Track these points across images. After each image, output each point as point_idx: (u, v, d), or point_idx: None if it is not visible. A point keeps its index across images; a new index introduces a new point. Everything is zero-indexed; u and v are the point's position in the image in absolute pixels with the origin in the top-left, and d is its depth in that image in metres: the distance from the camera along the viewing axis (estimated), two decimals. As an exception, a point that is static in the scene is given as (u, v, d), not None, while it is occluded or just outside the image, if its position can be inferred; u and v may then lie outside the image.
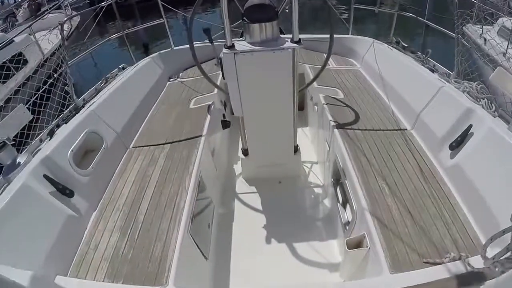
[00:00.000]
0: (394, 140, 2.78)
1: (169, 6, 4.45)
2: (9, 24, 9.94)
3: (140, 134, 3.29)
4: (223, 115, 3.84)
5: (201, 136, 3.00)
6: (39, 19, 6.23)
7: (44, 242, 1.92)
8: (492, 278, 1.42)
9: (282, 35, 2.69)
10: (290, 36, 2.55)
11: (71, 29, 9.02)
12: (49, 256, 1.88)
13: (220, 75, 2.94)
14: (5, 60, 5.80)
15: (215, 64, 3.41)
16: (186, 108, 3.61)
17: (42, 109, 3.05)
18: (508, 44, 4.41)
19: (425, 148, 2.68)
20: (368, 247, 1.94)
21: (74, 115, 2.92)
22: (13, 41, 6.37)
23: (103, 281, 1.85)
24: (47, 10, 9.45)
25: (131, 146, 3.10)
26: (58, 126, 2.79)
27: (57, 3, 9.34)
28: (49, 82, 3.09)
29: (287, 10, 2.81)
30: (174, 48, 4.72)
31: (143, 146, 3.05)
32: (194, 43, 2.83)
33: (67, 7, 9.25)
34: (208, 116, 3.31)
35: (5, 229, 1.78)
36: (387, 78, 3.62)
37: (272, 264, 2.64)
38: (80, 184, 2.38)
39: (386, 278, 1.70)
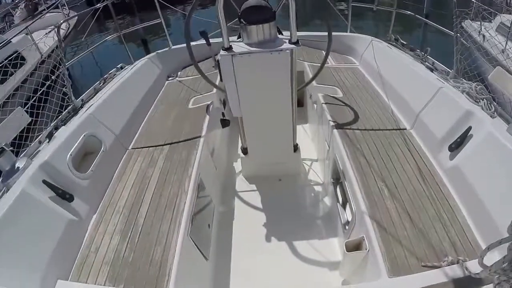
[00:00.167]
0: (394, 140, 2.78)
1: (166, 4, 4.44)
2: (7, 24, 9.90)
3: (139, 135, 3.28)
4: (222, 113, 3.84)
5: (200, 137, 2.99)
6: (37, 19, 6.21)
7: (45, 247, 1.93)
8: (489, 283, 1.43)
9: (280, 35, 2.68)
10: (288, 35, 2.54)
11: (69, 28, 8.99)
12: (50, 260, 1.88)
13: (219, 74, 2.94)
14: (2, 60, 5.78)
15: (213, 66, 3.40)
16: (185, 108, 3.60)
17: (40, 111, 3.05)
18: (507, 41, 4.40)
19: (425, 148, 2.68)
20: (367, 249, 1.95)
21: (73, 116, 2.92)
22: (11, 41, 6.35)
23: (104, 284, 1.85)
24: (44, 10, 9.41)
25: (130, 148, 3.09)
26: (56, 128, 2.78)
27: (54, 3, 9.29)
28: (46, 84, 3.08)
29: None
30: (172, 47, 4.71)
31: (142, 148, 3.05)
32: (192, 42, 2.82)
33: (64, 7, 9.20)
34: (207, 117, 3.30)
35: (6, 236, 1.78)
36: (386, 76, 3.61)
37: (272, 263, 2.65)
38: (79, 188, 2.38)
39: (384, 282, 1.71)
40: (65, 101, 3.07)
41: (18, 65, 6.30)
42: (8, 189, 2.03)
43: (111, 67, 4.13)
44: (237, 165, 3.73)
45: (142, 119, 3.54)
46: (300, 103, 4.47)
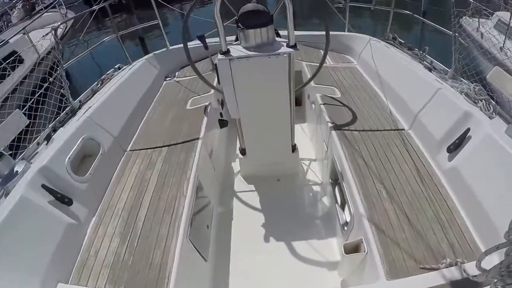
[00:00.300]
0: (392, 141, 2.78)
1: (164, 3, 4.42)
2: (4, 24, 9.85)
3: (137, 137, 3.27)
4: (220, 113, 3.83)
5: (198, 138, 2.99)
6: (35, 20, 6.18)
7: (45, 250, 1.93)
8: (487, 285, 1.44)
9: (278, 38, 2.68)
10: (286, 39, 2.53)
11: (66, 27, 8.94)
12: (50, 264, 1.89)
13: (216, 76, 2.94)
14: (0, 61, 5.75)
15: (211, 70, 3.39)
16: (183, 109, 3.60)
17: (38, 113, 3.04)
18: (505, 39, 4.40)
19: (423, 149, 2.68)
20: (366, 252, 1.96)
21: (71, 117, 2.91)
22: (8, 42, 6.33)
23: (104, 287, 1.86)
24: (41, 9, 9.36)
25: (128, 150, 3.09)
26: (55, 130, 2.78)
27: (52, 3, 9.24)
28: (44, 86, 3.06)
29: None
30: (170, 47, 4.69)
31: (140, 150, 3.04)
32: (189, 43, 2.81)
33: (61, 6, 9.15)
34: (205, 118, 3.30)
35: (6, 240, 1.79)
36: (384, 76, 3.61)
37: (271, 263, 2.66)
38: (78, 191, 2.38)
39: (383, 284, 1.72)
40: (63, 103, 3.06)
41: (16, 66, 6.28)
42: (7, 193, 2.03)
43: (109, 67, 4.12)
44: (236, 166, 3.72)
45: (140, 121, 3.53)
46: (298, 102, 4.47)
